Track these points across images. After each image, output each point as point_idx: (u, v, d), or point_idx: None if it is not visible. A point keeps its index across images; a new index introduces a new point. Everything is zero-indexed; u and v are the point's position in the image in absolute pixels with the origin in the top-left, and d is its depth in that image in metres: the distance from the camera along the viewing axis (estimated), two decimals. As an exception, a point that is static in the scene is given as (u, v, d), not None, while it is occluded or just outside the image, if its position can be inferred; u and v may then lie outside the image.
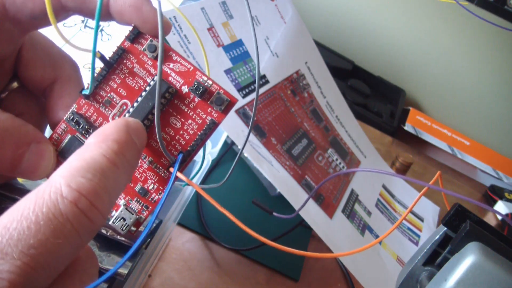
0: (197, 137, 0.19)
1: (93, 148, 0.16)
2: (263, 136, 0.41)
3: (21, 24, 0.20)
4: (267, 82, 0.45)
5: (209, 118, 0.19)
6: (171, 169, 0.19)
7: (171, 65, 0.20)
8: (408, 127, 0.76)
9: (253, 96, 0.42)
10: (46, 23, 0.21)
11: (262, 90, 0.44)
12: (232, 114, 0.39)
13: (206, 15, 0.40)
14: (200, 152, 0.41)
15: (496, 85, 0.80)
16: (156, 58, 0.20)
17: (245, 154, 0.37)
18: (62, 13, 0.20)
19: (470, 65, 0.80)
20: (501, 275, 0.20)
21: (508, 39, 0.74)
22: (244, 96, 0.41)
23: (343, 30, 0.82)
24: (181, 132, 0.20)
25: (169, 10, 0.37)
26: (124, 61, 0.20)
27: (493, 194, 0.69)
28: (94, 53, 0.18)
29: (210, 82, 0.19)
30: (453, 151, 0.77)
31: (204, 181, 0.45)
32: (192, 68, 0.20)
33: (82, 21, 0.53)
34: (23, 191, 0.25)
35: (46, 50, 0.22)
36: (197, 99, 0.20)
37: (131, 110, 0.20)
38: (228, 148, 0.49)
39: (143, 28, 0.20)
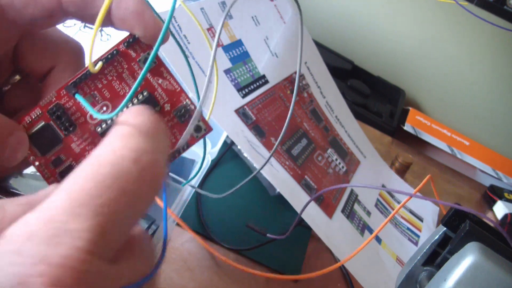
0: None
1: (136, 117, 0.16)
2: (263, 136, 0.41)
3: (19, 26, 0.20)
4: (266, 82, 0.45)
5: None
6: None
7: (160, 80, 0.20)
8: (407, 127, 0.76)
9: (253, 96, 0.42)
10: (45, 26, 0.21)
11: (261, 90, 0.44)
12: (231, 114, 0.39)
13: (206, 15, 0.40)
14: (201, 153, 0.41)
15: (496, 85, 0.80)
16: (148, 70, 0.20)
17: (245, 154, 0.37)
18: (61, 17, 0.20)
19: (469, 65, 0.80)
20: (501, 275, 0.20)
21: (507, 39, 0.74)
22: (243, 96, 0.41)
23: (343, 30, 0.82)
24: None
25: (167, 11, 0.36)
26: (115, 64, 0.20)
27: (493, 194, 0.69)
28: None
29: (193, 107, 0.20)
30: (453, 151, 0.77)
31: (203, 181, 0.45)
32: (179, 89, 0.20)
33: (82, 21, 0.53)
34: (15, 194, 0.25)
35: (45, 37, 0.22)
36: (176, 120, 0.20)
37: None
38: (228, 148, 0.49)
39: (143, 36, 0.20)
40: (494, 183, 0.73)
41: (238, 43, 0.43)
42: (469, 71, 0.80)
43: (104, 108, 0.20)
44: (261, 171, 0.37)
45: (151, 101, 0.20)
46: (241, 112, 0.40)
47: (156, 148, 0.16)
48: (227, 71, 0.41)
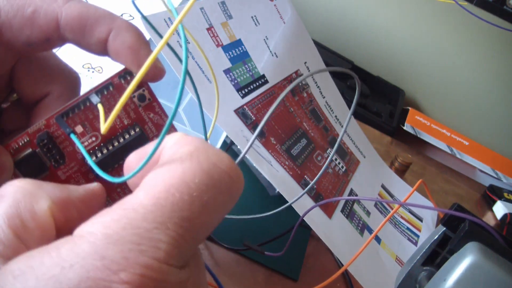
0: None
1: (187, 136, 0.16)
2: (262, 136, 0.41)
3: (15, 49, 0.20)
4: (266, 82, 0.45)
5: None
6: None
7: (151, 115, 0.20)
8: (407, 127, 0.76)
9: (252, 96, 0.42)
10: (41, 49, 0.20)
11: (261, 90, 0.44)
12: (231, 114, 0.39)
13: (205, 15, 0.40)
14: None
15: (495, 85, 0.81)
16: (140, 107, 0.20)
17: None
18: (58, 41, 0.20)
19: (469, 65, 0.80)
20: (500, 275, 0.20)
21: (507, 39, 0.74)
22: (243, 96, 0.41)
23: (343, 30, 0.83)
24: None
25: (167, 11, 0.36)
26: (108, 96, 0.20)
27: (492, 194, 0.70)
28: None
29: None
30: (452, 151, 0.77)
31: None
32: (172, 128, 0.21)
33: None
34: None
35: (42, 64, 0.22)
36: None
37: (104, 151, 0.19)
38: (227, 148, 0.49)
39: (136, 73, 0.19)
40: (493, 183, 0.73)
41: (238, 43, 0.43)
42: (468, 71, 0.81)
43: (93, 138, 0.20)
44: (261, 171, 0.37)
45: (142, 138, 0.20)
46: (240, 112, 0.40)
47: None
48: (226, 71, 0.41)
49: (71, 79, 0.22)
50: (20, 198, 0.14)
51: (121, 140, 0.20)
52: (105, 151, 0.20)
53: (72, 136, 0.19)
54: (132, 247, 0.12)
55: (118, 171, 0.20)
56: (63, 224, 0.15)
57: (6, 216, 0.14)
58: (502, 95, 0.81)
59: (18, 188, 0.15)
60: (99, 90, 0.19)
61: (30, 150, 0.19)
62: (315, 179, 0.38)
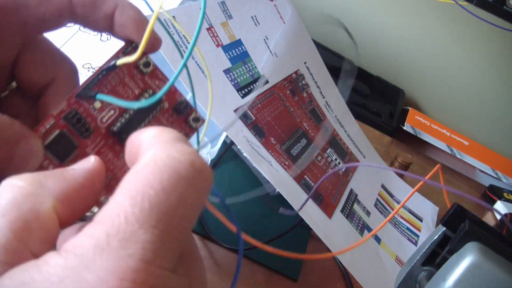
0: None
1: (166, 128, 0.17)
2: (262, 136, 0.41)
3: (28, 26, 0.20)
4: (266, 82, 0.45)
5: (182, 132, 0.22)
6: None
7: (157, 82, 0.22)
8: (407, 127, 0.76)
9: (252, 96, 0.42)
10: (51, 26, 0.21)
11: (261, 90, 0.44)
12: (231, 113, 0.39)
13: (205, 15, 0.40)
14: (201, 153, 0.41)
15: (495, 85, 0.80)
16: (147, 73, 0.22)
17: (245, 154, 0.37)
18: (67, 18, 0.21)
19: (469, 65, 0.80)
20: (500, 275, 0.20)
21: (507, 39, 0.74)
22: (243, 96, 0.41)
23: (342, 30, 0.82)
24: None
25: (168, 10, 0.37)
26: (116, 71, 0.21)
27: (492, 194, 0.70)
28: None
29: (189, 106, 0.23)
30: (452, 151, 0.77)
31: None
32: (174, 89, 0.22)
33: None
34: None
35: (46, 51, 0.22)
36: (175, 116, 0.22)
37: (127, 116, 0.21)
38: (227, 148, 0.49)
39: (140, 41, 0.21)
40: (493, 183, 0.73)
41: (238, 43, 0.43)
42: (468, 71, 0.81)
43: (112, 112, 0.21)
44: (260, 171, 0.37)
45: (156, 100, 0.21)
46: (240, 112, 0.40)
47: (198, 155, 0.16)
48: (226, 71, 0.41)
49: (72, 66, 0.23)
50: (21, 200, 0.14)
51: (144, 99, 0.21)
52: (123, 120, 0.21)
53: (100, 96, 0.20)
54: (120, 254, 0.12)
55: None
56: (69, 216, 0.15)
57: (8, 220, 0.14)
58: (502, 95, 0.81)
59: (19, 189, 0.14)
60: (107, 67, 0.21)
61: (58, 131, 0.20)
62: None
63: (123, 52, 0.21)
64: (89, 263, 0.12)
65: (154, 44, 0.21)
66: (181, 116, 0.22)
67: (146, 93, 0.22)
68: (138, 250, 0.12)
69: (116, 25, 0.21)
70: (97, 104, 0.20)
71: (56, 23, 0.21)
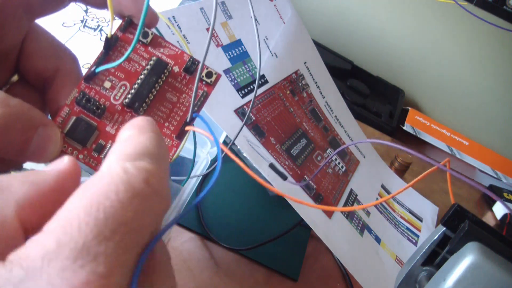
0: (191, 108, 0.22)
1: (139, 137, 0.16)
2: (262, 136, 0.41)
3: (32, 9, 0.21)
4: (266, 82, 0.45)
5: (200, 91, 0.22)
6: (187, 128, 0.22)
7: (161, 49, 0.22)
8: (407, 127, 0.76)
9: (252, 96, 0.42)
10: (55, 8, 0.22)
11: (261, 90, 0.44)
12: (231, 113, 0.39)
13: (205, 15, 0.40)
14: (201, 152, 0.41)
15: (495, 85, 0.80)
16: (148, 44, 0.22)
17: (244, 154, 0.37)
18: None
19: (469, 65, 0.80)
20: (500, 275, 0.20)
21: (507, 39, 0.74)
22: (243, 96, 0.41)
23: (343, 30, 0.82)
24: (177, 105, 0.22)
25: (168, 10, 0.37)
26: (119, 49, 0.22)
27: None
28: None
29: (197, 62, 0.23)
30: (452, 151, 0.77)
31: (203, 181, 0.45)
32: (179, 51, 0.22)
33: (81, 21, 0.53)
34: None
35: (48, 41, 0.23)
36: (188, 76, 0.22)
37: (135, 86, 0.21)
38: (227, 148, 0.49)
39: (137, 16, 0.21)
40: (493, 183, 0.73)
41: (238, 43, 0.43)
42: (468, 71, 0.81)
43: (123, 88, 0.21)
44: (260, 171, 0.37)
45: (160, 64, 0.22)
46: (240, 112, 0.40)
47: (161, 168, 0.15)
48: (226, 71, 0.41)
49: (74, 56, 0.23)
50: None
51: (145, 73, 0.22)
52: (132, 91, 0.21)
53: (98, 69, 0.21)
54: (71, 265, 0.12)
55: (149, 112, 0.22)
56: (37, 222, 0.14)
57: None
58: (502, 95, 0.81)
59: None
60: (107, 46, 0.22)
61: (74, 118, 0.21)
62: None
63: (121, 29, 0.22)
64: (35, 275, 0.11)
65: (151, 19, 0.22)
66: (194, 74, 0.23)
67: (152, 61, 0.22)
68: (90, 262, 0.12)
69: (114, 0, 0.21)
70: (107, 84, 0.21)
71: (59, 2, 0.22)
